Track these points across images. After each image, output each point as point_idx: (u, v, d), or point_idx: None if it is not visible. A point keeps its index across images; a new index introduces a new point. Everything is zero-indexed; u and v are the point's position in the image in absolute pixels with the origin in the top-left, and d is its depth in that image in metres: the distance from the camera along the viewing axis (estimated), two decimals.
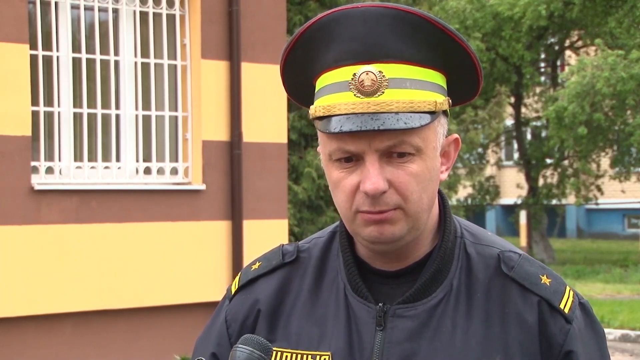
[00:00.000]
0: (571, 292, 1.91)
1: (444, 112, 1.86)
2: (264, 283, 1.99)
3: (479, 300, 1.88)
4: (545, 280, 1.89)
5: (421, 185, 1.81)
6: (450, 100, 1.87)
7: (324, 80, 1.84)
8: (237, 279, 2.04)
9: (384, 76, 1.78)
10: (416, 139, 1.79)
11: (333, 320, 1.90)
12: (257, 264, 2.03)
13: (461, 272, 1.90)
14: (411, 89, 1.79)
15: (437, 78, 1.84)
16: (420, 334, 1.85)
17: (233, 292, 2.02)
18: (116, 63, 8.79)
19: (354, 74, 1.79)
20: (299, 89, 1.93)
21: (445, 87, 1.86)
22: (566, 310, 1.87)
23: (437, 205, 1.92)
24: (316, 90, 1.87)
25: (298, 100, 1.97)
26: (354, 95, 1.78)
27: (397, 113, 1.77)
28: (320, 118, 1.83)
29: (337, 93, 1.81)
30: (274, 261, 2.00)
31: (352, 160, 1.81)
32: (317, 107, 1.83)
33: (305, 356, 1.90)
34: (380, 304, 1.87)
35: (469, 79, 1.89)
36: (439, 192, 1.93)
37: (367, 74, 1.78)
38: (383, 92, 1.78)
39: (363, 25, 1.79)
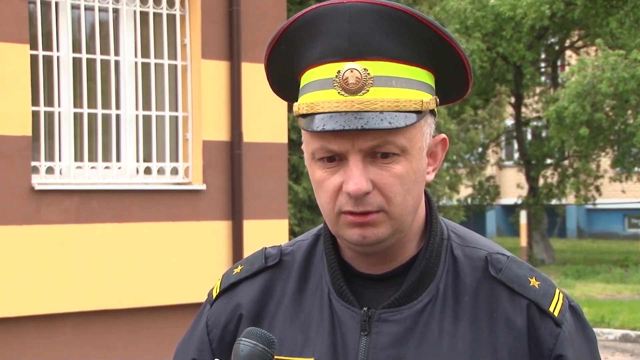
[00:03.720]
0: (561, 295, 1.86)
1: (431, 112, 1.81)
2: (246, 287, 1.93)
3: (467, 303, 1.83)
4: (534, 282, 1.85)
5: (406, 187, 1.76)
6: (438, 99, 1.82)
7: (308, 76, 1.79)
8: (218, 282, 1.99)
9: (369, 74, 1.73)
10: (401, 139, 1.74)
11: (317, 325, 1.85)
12: (239, 267, 1.97)
13: (448, 275, 1.85)
14: (397, 88, 1.74)
15: (424, 76, 1.79)
16: (406, 339, 1.80)
17: (214, 296, 1.97)
18: (116, 63, 8.79)
19: (339, 71, 1.73)
20: (284, 84, 1.88)
21: (433, 85, 1.81)
22: (556, 314, 1.83)
23: (423, 207, 1.87)
24: (300, 86, 1.82)
25: (283, 96, 1.92)
26: (338, 93, 1.73)
27: (381, 112, 1.72)
28: (304, 116, 1.78)
29: (320, 90, 1.75)
30: (257, 265, 1.94)
31: (335, 160, 1.76)
32: (301, 105, 1.78)
33: None
34: (365, 309, 1.82)
35: (458, 78, 1.84)
36: (425, 193, 1.89)
37: (351, 71, 1.72)
38: (368, 91, 1.72)
39: (349, 21, 1.73)
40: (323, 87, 1.76)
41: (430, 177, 1.84)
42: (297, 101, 1.83)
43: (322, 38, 1.76)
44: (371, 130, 1.72)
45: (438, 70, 1.82)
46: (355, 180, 1.73)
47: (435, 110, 1.83)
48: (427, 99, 1.78)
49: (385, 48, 1.74)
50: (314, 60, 1.77)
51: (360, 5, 1.74)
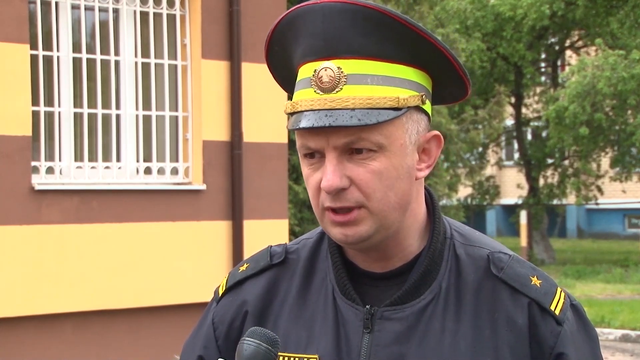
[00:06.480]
0: (562, 294, 1.88)
1: (418, 108, 1.82)
2: (251, 284, 1.96)
3: (469, 302, 1.85)
4: (535, 281, 1.87)
5: (385, 183, 1.78)
6: (424, 96, 1.82)
7: (298, 75, 1.84)
8: (224, 280, 2.02)
9: (342, 72, 1.76)
10: (377, 136, 1.76)
11: (321, 323, 1.88)
12: (245, 265, 2.00)
13: (450, 273, 1.87)
14: (373, 85, 1.77)
15: (409, 74, 1.80)
16: (408, 337, 1.83)
17: (220, 294, 2.00)
18: (117, 63, 8.79)
19: (315, 70, 1.78)
20: (287, 81, 1.92)
21: (423, 83, 1.82)
22: (557, 312, 1.84)
23: (422, 205, 1.89)
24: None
25: (289, 92, 1.96)
26: (314, 91, 1.78)
27: (353, 109, 1.75)
28: (291, 114, 1.83)
29: (302, 89, 1.81)
30: (262, 262, 1.97)
31: (315, 156, 1.80)
32: (287, 104, 1.84)
33: (292, 359, 1.88)
34: (367, 306, 1.85)
35: (451, 75, 1.85)
36: (428, 192, 1.91)
37: (325, 70, 1.77)
38: (341, 89, 1.76)
39: (322, 21, 1.77)
40: (304, 87, 1.81)
41: (423, 173, 1.85)
42: None
43: (302, 38, 1.81)
44: (341, 127, 1.75)
45: (430, 69, 1.83)
46: (328, 177, 1.77)
47: (427, 107, 1.84)
48: (406, 95, 1.78)
49: (360, 46, 1.77)
50: (298, 60, 1.83)
51: (333, 4, 1.77)
